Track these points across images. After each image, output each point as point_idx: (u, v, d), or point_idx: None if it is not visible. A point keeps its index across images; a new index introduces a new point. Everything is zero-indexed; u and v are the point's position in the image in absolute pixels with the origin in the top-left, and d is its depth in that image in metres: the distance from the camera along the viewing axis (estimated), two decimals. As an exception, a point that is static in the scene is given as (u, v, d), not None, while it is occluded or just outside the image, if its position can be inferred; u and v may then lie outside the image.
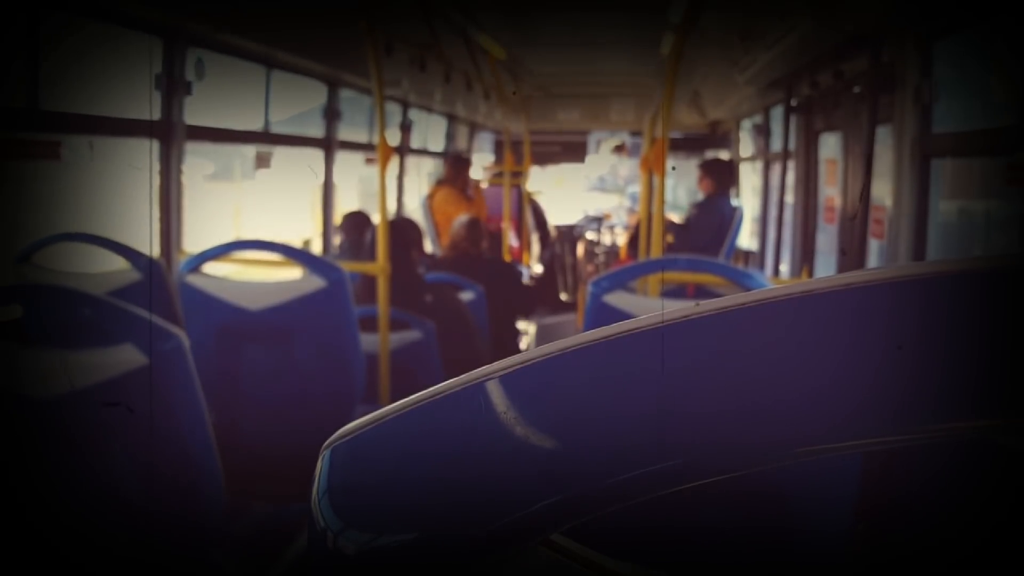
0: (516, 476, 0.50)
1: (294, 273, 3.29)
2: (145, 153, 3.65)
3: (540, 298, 8.11)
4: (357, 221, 4.69)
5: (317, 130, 5.35)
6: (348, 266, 3.33)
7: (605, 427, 0.49)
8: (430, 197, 6.74)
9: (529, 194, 8.45)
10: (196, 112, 3.76)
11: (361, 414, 0.57)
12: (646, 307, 2.79)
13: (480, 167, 8.73)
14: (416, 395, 0.54)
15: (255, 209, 6.18)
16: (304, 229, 5.93)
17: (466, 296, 4.51)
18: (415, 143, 7.17)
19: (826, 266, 4.93)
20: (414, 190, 7.30)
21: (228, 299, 3.09)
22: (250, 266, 3.64)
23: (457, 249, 4.90)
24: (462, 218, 5.04)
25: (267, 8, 3.76)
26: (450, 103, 6.96)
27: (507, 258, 6.98)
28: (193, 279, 3.13)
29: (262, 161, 4.75)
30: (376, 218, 4.12)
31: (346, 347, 3.18)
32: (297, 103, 5.37)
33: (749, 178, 7.61)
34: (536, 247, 8.57)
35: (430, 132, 7.75)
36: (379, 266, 3.45)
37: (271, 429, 3.12)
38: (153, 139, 3.63)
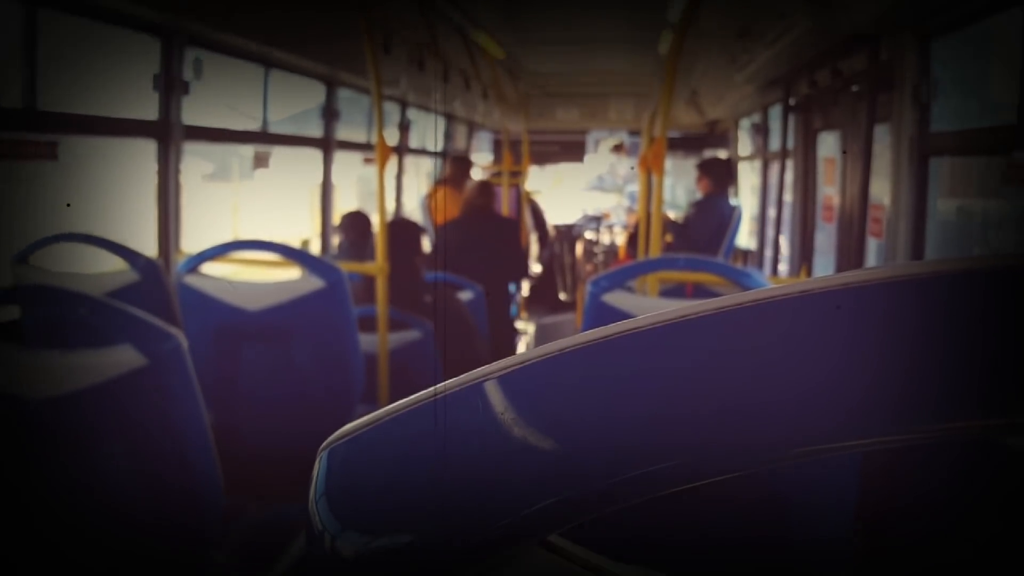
0: (514, 477, 0.49)
1: (293, 273, 3.29)
2: (143, 153, 3.65)
3: (539, 296, 8.12)
4: (357, 221, 4.68)
5: (315, 130, 5.35)
6: (347, 266, 3.33)
7: (604, 428, 0.49)
8: (430, 197, 6.74)
9: (528, 194, 8.46)
10: (194, 112, 3.76)
11: (360, 414, 0.56)
12: (645, 306, 2.79)
13: (479, 167, 8.74)
14: (414, 395, 0.54)
15: (253, 209, 6.18)
16: (303, 229, 5.93)
17: (465, 296, 4.51)
18: (413, 143, 7.17)
19: (825, 265, 4.94)
20: (413, 190, 7.30)
21: (226, 299, 3.09)
22: (248, 266, 3.63)
23: (469, 209, 5.03)
24: (473, 182, 5.26)
25: (265, 8, 3.76)
26: (449, 102, 6.96)
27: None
28: (191, 279, 3.12)
29: (260, 161, 4.74)
30: (375, 218, 4.12)
31: (345, 347, 3.18)
32: (295, 103, 5.37)
33: (748, 177, 7.62)
34: (535, 247, 8.57)
35: (428, 132, 7.75)
36: (378, 266, 3.45)
37: (270, 430, 3.12)
38: (151, 139, 3.62)
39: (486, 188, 5.20)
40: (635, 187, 9.38)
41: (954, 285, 0.45)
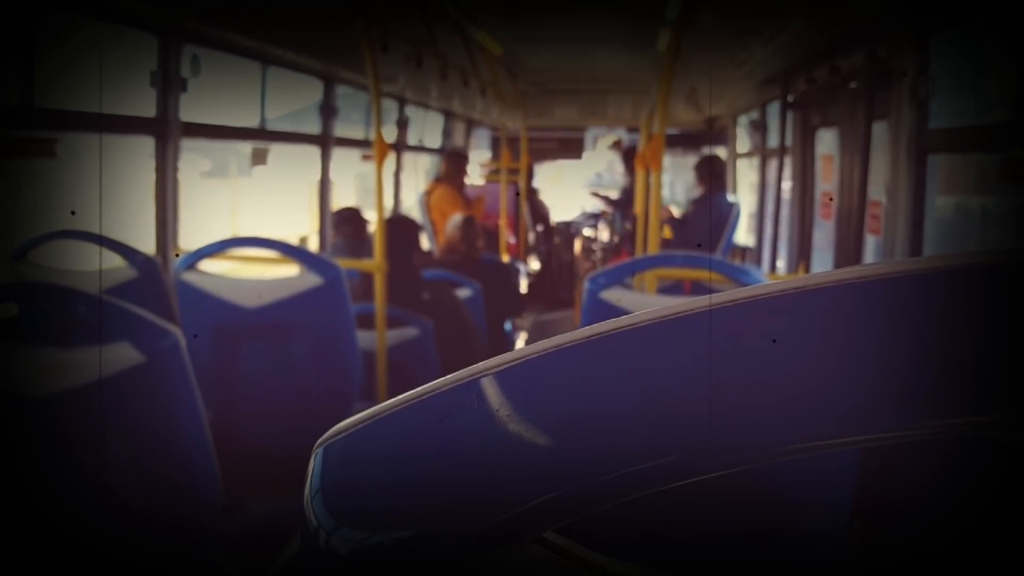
0: (510, 474, 0.49)
1: (291, 270, 3.28)
2: (141, 150, 3.64)
3: (536, 296, 8.12)
4: (350, 217, 4.68)
5: (313, 127, 5.35)
6: (345, 263, 3.32)
7: (600, 424, 0.49)
8: (427, 194, 6.74)
9: (534, 191, 8.51)
10: (192, 109, 3.76)
11: (358, 411, 0.56)
12: (643, 303, 2.79)
13: (477, 164, 8.73)
14: (410, 392, 0.54)
15: (251, 206, 6.17)
16: (301, 226, 5.93)
17: (463, 293, 4.51)
18: (412, 140, 7.16)
19: (823, 262, 4.94)
20: (411, 187, 7.30)
21: (224, 297, 3.09)
22: (246, 263, 3.63)
23: (454, 252, 4.91)
24: (455, 219, 5.06)
25: (263, 5, 3.76)
26: (447, 99, 6.95)
27: (504, 256, 6.98)
28: (189, 276, 3.12)
29: (258, 158, 4.74)
30: (371, 215, 4.12)
31: (343, 345, 3.18)
32: (293, 100, 5.36)
33: (746, 174, 7.62)
34: (534, 240, 8.57)
35: (427, 129, 7.74)
36: (376, 263, 3.45)
37: (268, 427, 3.12)
38: (149, 136, 3.62)
39: (469, 225, 4.95)
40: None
41: (951, 281, 0.45)
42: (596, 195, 8.74)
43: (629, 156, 7.71)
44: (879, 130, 3.64)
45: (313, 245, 5.47)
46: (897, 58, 3.33)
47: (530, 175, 8.75)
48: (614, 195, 8.43)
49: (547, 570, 0.51)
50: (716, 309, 0.49)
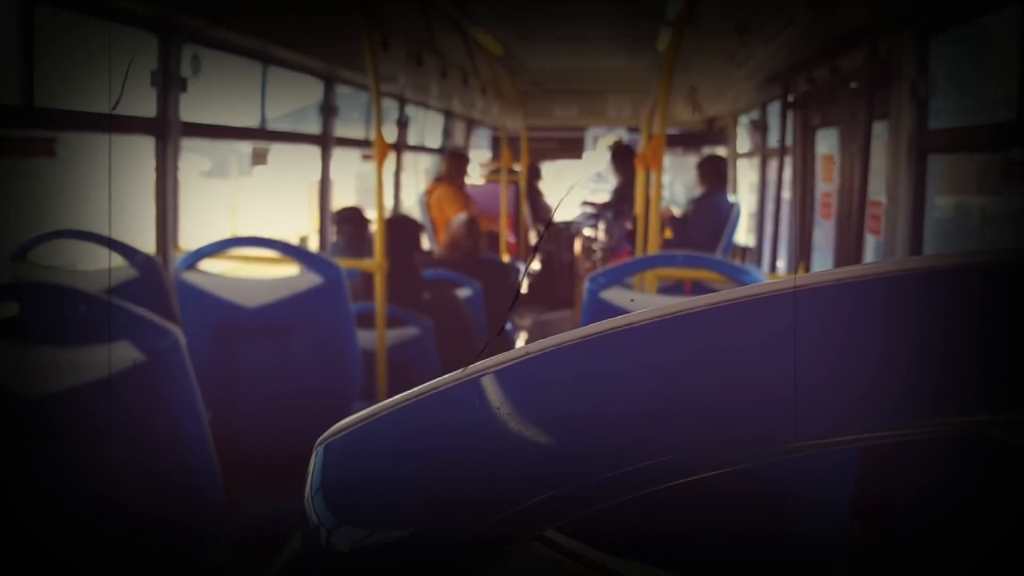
0: (510, 472, 0.49)
1: (291, 270, 3.29)
2: (140, 150, 3.64)
3: (535, 294, 8.12)
4: (350, 217, 4.68)
5: (314, 126, 5.35)
6: (346, 263, 3.33)
7: (600, 422, 0.49)
8: (428, 194, 6.74)
9: (539, 192, 8.51)
10: (192, 108, 3.76)
11: (358, 411, 0.56)
12: (643, 303, 2.79)
13: (477, 164, 8.73)
14: (410, 391, 0.54)
15: (251, 206, 6.17)
16: (301, 226, 5.92)
17: (463, 293, 4.51)
18: (412, 139, 7.16)
19: (823, 262, 4.94)
20: (411, 187, 7.30)
21: (224, 296, 3.09)
22: (247, 263, 3.63)
23: (457, 250, 4.92)
24: (460, 217, 5.08)
25: (263, 4, 3.76)
26: (447, 99, 6.95)
27: (505, 256, 6.99)
28: (189, 276, 3.12)
29: (258, 158, 4.74)
30: (371, 214, 4.13)
31: (343, 344, 3.18)
32: (293, 99, 5.36)
33: (746, 174, 7.62)
34: (536, 239, 8.57)
35: (427, 128, 7.74)
36: (376, 263, 3.45)
37: (268, 426, 3.12)
38: (149, 136, 3.62)
39: (472, 225, 5.03)
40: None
41: (951, 281, 0.45)
42: (586, 203, 8.78)
43: (618, 155, 7.69)
44: (879, 130, 3.64)
45: (313, 245, 5.47)
46: (897, 57, 3.33)
47: (536, 175, 8.76)
48: (605, 197, 8.44)
49: (547, 567, 0.51)
50: (716, 308, 0.49)
